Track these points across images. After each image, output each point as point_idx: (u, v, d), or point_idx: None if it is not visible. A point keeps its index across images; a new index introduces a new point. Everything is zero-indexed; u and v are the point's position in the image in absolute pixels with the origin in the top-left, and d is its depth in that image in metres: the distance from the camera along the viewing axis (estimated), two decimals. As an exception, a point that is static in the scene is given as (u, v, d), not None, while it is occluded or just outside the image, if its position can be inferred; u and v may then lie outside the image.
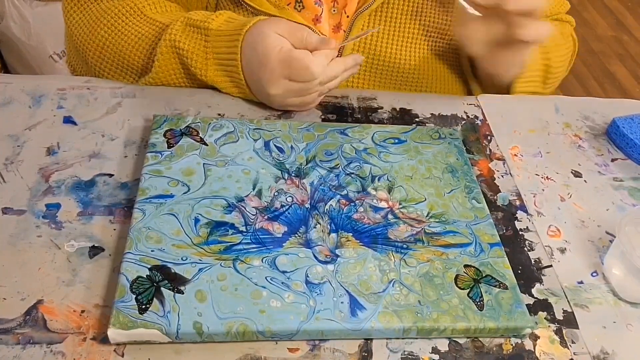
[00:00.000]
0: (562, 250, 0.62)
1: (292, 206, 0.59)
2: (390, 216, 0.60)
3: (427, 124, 0.74)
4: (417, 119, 0.75)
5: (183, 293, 0.50)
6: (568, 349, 0.54)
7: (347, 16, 0.78)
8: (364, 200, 0.61)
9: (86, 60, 0.76)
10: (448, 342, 0.52)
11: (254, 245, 0.54)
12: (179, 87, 0.73)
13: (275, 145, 0.65)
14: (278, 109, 0.72)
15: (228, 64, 0.69)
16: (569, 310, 0.57)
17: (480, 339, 0.53)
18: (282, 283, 0.52)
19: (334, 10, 0.78)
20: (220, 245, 0.54)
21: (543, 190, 0.69)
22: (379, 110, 0.75)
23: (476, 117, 0.77)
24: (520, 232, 0.63)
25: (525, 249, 0.61)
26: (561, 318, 0.56)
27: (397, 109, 0.76)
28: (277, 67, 0.65)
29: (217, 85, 0.71)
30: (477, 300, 0.53)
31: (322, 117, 0.73)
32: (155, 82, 0.72)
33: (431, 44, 0.81)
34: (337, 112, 0.74)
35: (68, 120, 0.67)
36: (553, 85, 0.86)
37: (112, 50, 0.73)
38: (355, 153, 0.66)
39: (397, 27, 0.79)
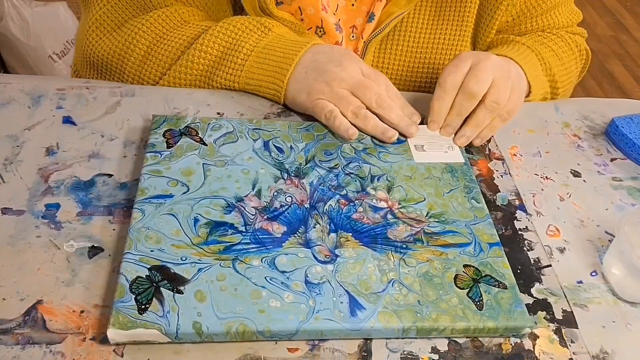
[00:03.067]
0: (562, 250, 0.62)
1: (292, 206, 0.59)
2: (389, 216, 0.60)
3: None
4: (416, 119, 0.75)
5: (182, 293, 0.50)
6: (567, 348, 0.54)
7: (364, 42, 0.79)
8: (363, 200, 0.61)
9: (123, 72, 0.75)
10: (447, 341, 0.52)
11: (254, 245, 0.54)
12: (192, 83, 0.73)
13: (274, 145, 0.65)
14: (289, 105, 0.71)
15: (281, 56, 0.69)
16: (569, 309, 0.57)
17: (479, 338, 0.53)
18: (282, 283, 0.52)
19: (353, 37, 0.80)
20: (219, 245, 0.54)
21: (542, 190, 0.69)
22: (378, 110, 0.75)
23: (475, 117, 0.77)
24: (520, 232, 0.63)
25: (525, 248, 0.61)
26: (560, 318, 0.56)
27: (397, 109, 0.76)
28: (353, 69, 0.68)
29: (248, 72, 0.71)
30: (477, 300, 0.53)
31: (322, 117, 0.73)
32: (184, 70, 0.72)
33: (446, 59, 0.82)
34: (336, 112, 0.74)
35: (67, 120, 0.67)
36: (562, 96, 0.85)
37: (155, 57, 0.73)
38: (355, 153, 0.66)
39: (410, 49, 0.80)
